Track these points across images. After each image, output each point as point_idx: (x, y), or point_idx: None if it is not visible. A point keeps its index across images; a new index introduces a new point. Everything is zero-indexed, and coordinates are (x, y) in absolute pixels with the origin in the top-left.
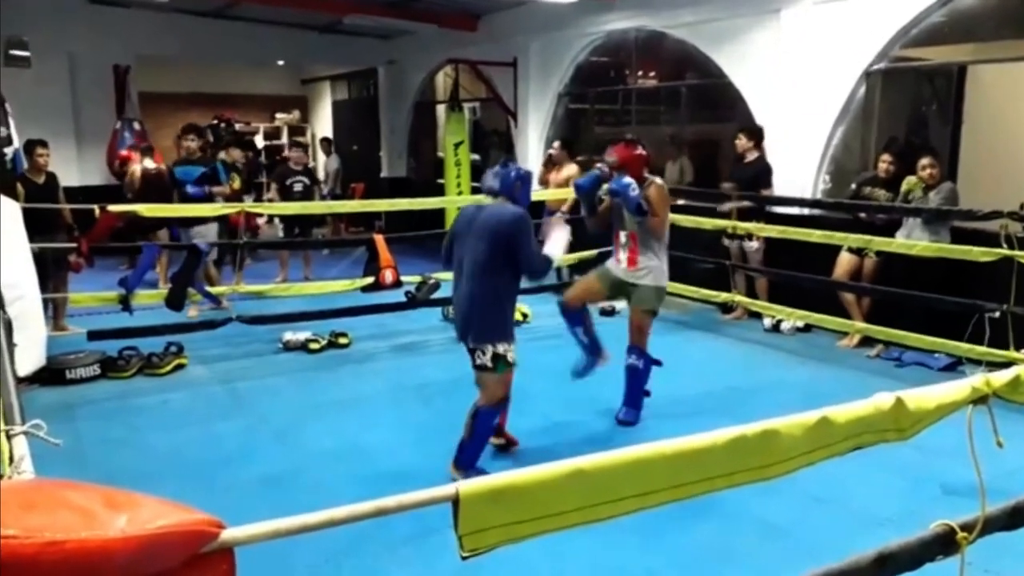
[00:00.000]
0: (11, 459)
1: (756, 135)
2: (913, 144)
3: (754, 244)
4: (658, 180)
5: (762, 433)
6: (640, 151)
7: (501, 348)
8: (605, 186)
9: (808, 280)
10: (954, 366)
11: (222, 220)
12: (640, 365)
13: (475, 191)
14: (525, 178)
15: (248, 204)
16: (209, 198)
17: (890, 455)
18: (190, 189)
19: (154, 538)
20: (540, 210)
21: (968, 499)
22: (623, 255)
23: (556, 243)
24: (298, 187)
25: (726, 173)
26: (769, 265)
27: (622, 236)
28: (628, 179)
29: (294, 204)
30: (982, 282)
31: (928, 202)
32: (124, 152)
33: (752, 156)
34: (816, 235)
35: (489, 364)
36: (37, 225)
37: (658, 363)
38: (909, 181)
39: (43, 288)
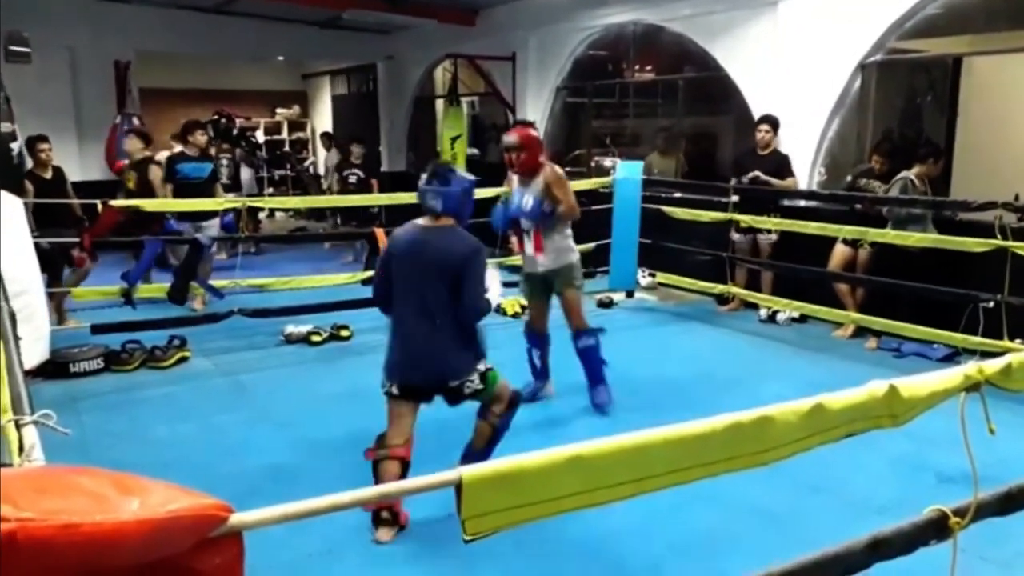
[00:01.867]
0: (21, 448)
1: (776, 125)
2: (906, 137)
3: (773, 236)
4: (550, 163)
5: (758, 419)
6: (537, 134)
7: (483, 365)
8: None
9: (805, 271)
10: (952, 356)
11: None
12: (593, 342)
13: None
14: (470, 190)
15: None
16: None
17: (885, 443)
18: (227, 221)
19: (166, 522)
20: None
21: (962, 486)
22: (529, 244)
23: (493, 289)
24: (352, 179)
25: (723, 165)
26: (770, 257)
27: (524, 223)
28: (528, 200)
29: (294, 199)
30: (976, 272)
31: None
32: (121, 163)
33: (771, 147)
34: (811, 227)
35: (480, 385)
36: (48, 219)
37: (602, 330)
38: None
39: (54, 282)
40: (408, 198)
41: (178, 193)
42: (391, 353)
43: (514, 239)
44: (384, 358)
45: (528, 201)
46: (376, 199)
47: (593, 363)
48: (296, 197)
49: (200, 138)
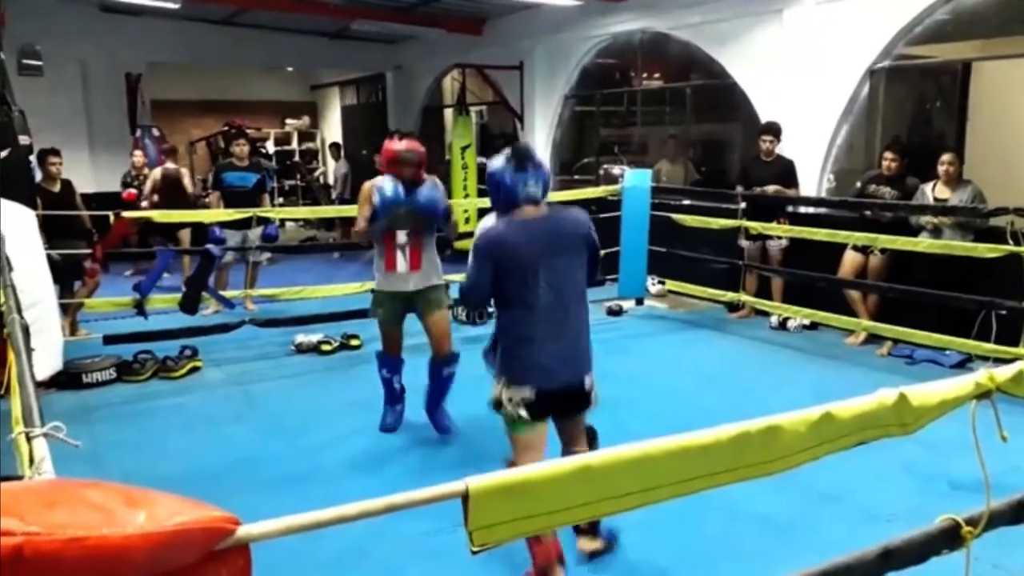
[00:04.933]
0: (31, 460)
1: (779, 133)
2: (917, 140)
3: (783, 242)
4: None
5: (766, 429)
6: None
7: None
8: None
9: (816, 278)
10: (965, 363)
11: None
12: (457, 368)
13: (482, 193)
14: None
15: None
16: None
17: (897, 451)
18: (270, 231)
19: (172, 535)
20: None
21: (975, 494)
22: (402, 259)
23: None
24: None
25: (732, 172)
26: (780, 264)
27: (400, 236)
28: (436, 194)
29: (304, 209)
30: (988, 278)
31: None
32: (127, 193)
33: (774, 155)
34: (821, 233)
35: (592, 398)
36: (56, 232)
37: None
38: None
39: (67, 294)
40: None
41: (226, 202)
42: (526, 356)
43: (374, 254)
44: (508, 370)
45: (442, 201)
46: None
47: (448, 389)
48: (306, 207)
49: (238, 148)
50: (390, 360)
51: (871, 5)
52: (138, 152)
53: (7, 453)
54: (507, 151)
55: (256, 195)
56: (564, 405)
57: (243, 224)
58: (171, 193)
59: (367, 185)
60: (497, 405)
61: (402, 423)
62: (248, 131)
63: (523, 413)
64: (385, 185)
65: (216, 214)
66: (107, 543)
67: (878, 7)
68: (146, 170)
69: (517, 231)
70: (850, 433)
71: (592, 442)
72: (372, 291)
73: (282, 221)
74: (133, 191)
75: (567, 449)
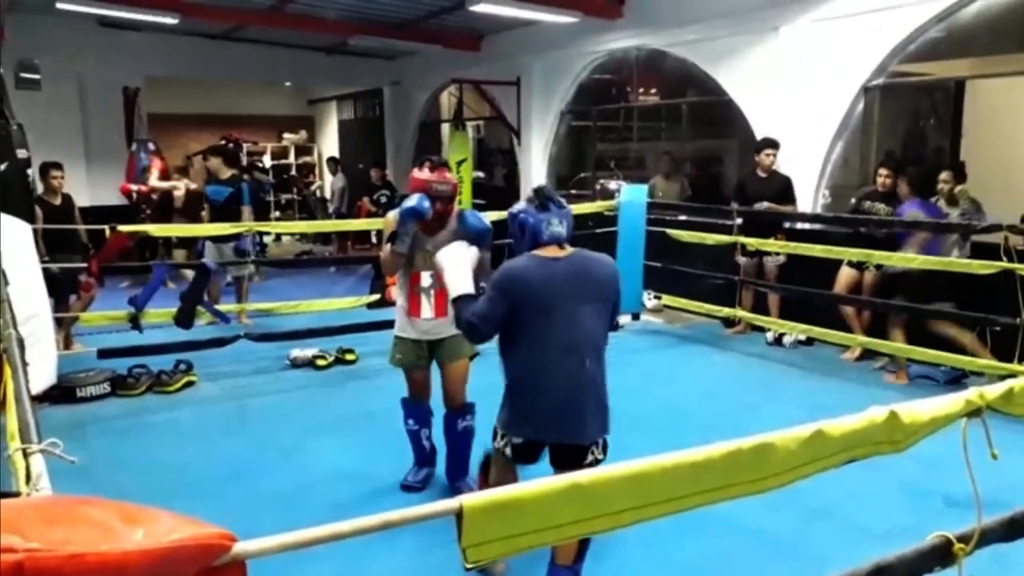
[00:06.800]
0: (28, 477)
1: (778, 148)
2: (911, 157)
3: (780, 258)
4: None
5: (758, 446)
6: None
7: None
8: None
9: (811, 294)
10: (959, 379)
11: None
12: (473, 422)
13: (478, 208)
14: None
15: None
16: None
17: (891, 468)
18: (240, 244)
19: (169, 551)
20: None
21: (969, 511)
22: (427, 302)
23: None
24: (383, 199)
25: (727, 188)
26: (777, 280)
27: (424, 278)
28: (479, 213)
29: (301, 223)
30: (980, 295)
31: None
32: (127, 185)
33: (771, 170)
34: (816, 249)
35: (601, 456)
36: (56, 245)
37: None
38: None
39: (62, 307)
40: None
41: (210, 215)
42: (523, 402)
43: (396, 295)
44: (505, 410)
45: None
46: (380, 223)
47: (467, 447)
48: (302, 221)
49: (209, 163)
50: (416, 408)
51: (866, 23)
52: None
53: (2, 468)
54: (529, 194)
55: (230, 208)
56: (557, 459)
57: (220, 239)
58: (196, 207)
59: (391, 214)
60: (494, 434)
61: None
62: (244, 144)
63: (508, 453)
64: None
65: (207, 228)
66: (106, 560)
67: (873, 25)
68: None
69: (538, 270)
70: (841, 451)
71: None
72: (394, 336)
73: (278, 235)
74: (129, 186)
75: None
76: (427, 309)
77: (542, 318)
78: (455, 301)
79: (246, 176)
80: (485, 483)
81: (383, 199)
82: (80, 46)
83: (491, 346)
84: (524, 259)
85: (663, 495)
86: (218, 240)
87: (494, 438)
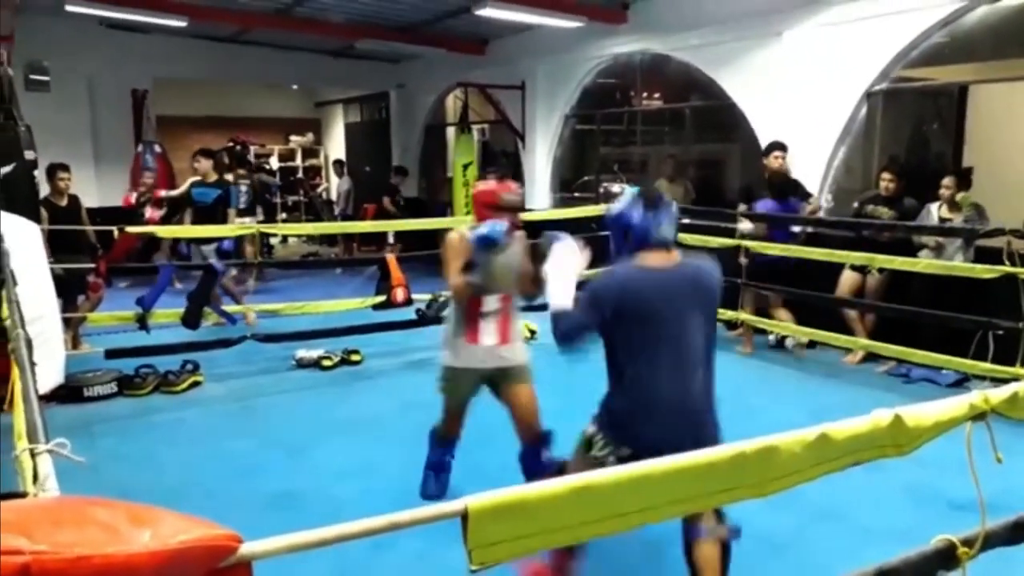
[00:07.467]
0: (35, 477)
1: (787, 150)
2: (915, 162)
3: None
4: None
5: (762, 449)
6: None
7: None
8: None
9: (814, 297)
10: (961, 382)
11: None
12: (553, 454)
13: None
14: None
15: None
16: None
17: (895, 471)
18: (224, 245)
19: (176, 552)
20: None
21: (973, 514)
22: (490, 329)
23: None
24: (401, 201)
25: (731, 192)
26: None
27: (490, 303)
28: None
29: (307, 225)
30: (984, 299)
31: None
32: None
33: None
34: (819, 253)
35: None
36: (62, 246)
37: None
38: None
39: (70, 308)
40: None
41: (193, 217)
42: (634, 417)
43: (453, 322)
44: (608, 420)
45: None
46: (389, 225)
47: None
48: (309, 223)
49: (199, 164)
50: (448, 442)
51: (869, 28)
52: (148, 173)
53: (9, 468)
54: (631, 193)
55: (216, 210)
56: None
57: (202, 241)
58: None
59: (455, 236)
60: (587, 446)
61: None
62: (251, 146)
63: (611, 461)
64: (481, 228)
65: (213, 230)
66: (113, 561)
67: (876, 30)
68: (158, 191)
69: (645, 279)
70: (846, 454)
71: (721, 520)
72: (444, 367)
73: (285, 237)
74: (131, 197)
75: (690, 525)
76: (489, 336)
77: (653, 332)
78: (554, 314)
79: (233, 178)
80: None
81: (401, 201)
82: (89, 48)
83: None
84: (628, 268)
85: (669, 497)
86: (201, 242)
87: (587, 448)
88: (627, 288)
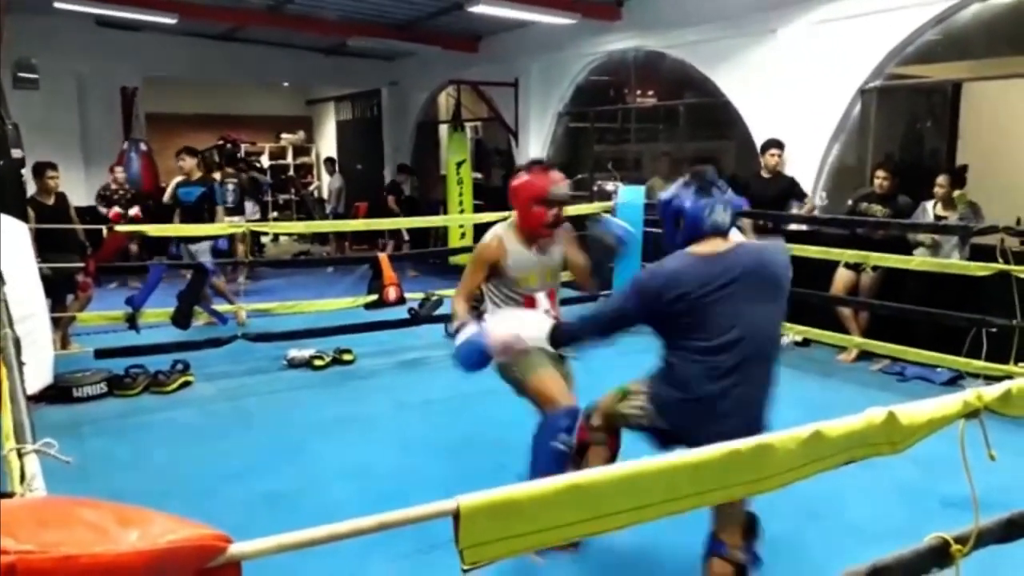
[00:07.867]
0: (23, 477)
1: (783, 148)
2: (908, 159)
3: None
4: None
5: (756, 447)
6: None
7: None
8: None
9: (808, 295)
10: (956, 380)
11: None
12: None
13: (477, 209)
14: None
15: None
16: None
17: (888, 469)
18: (218, 244)
19: (164, 552)
20: None
21: (966, 512)
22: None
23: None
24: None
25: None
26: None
27: (541, 301)
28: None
29: (298, 223)
30: (977, 297)
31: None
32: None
33: (775, 171)
34: (813, 251)
35: None
36: (50, 245)
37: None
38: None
39: (59, 307)
40: (415, 222)
41: (181, 217)
42: (678, 405)
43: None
44: (662, 392)
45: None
46: (381, 223)
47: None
48: (300, 222)
49: (183, 162)
50: (567, 414)
51: (863, 26)
52: (119, 168)
53: None
54: (683, 178)
55: (201, 208)
56: None
57: (190, 239)
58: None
59: (493, 243)
60: (623, 396)
61: None
62: (242, 144)
63: (636, 417)
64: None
65: (204, 229)
66: (100, 561)
67: (870, 28)
68: (127, 186)
69: (701, 269)
70: (840, 452)
71: (751, 529)
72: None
73: (276, 235)
74: (118, 211)
75: (716, 538)
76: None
77: (704, 322)
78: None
79: (220, 176)
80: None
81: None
82: (78, 46)
83: None
84: (678, 259)
85: (661, 496)
86: (189, 241)
87: (622, 398)
88: (677, 278)
